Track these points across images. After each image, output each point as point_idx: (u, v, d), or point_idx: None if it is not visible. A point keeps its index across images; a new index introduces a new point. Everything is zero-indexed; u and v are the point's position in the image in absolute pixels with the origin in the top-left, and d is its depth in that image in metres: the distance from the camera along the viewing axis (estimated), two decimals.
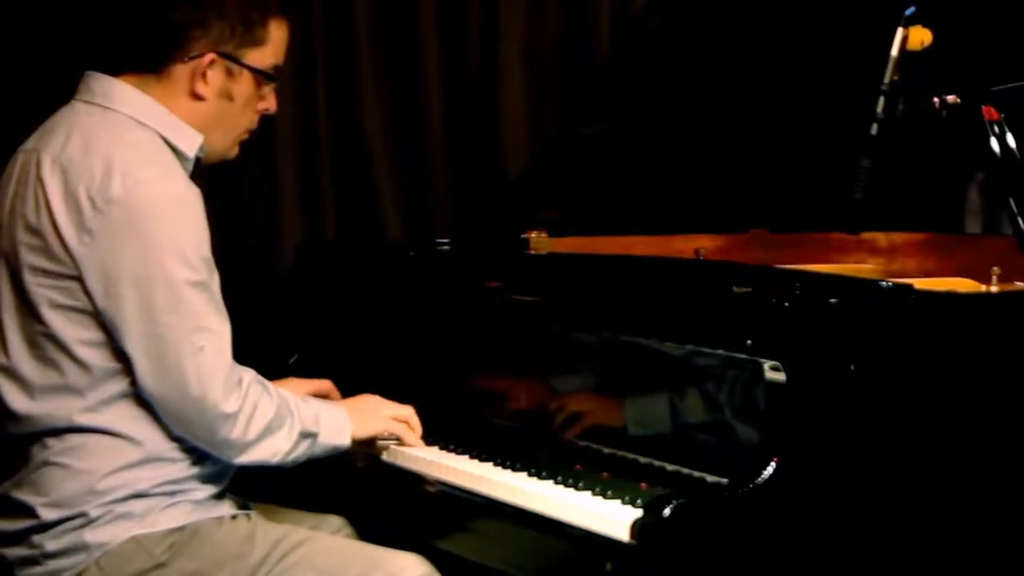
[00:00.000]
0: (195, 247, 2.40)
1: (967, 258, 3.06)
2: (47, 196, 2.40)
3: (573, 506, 2.32)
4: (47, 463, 2.41)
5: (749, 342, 2.27)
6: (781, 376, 2.23)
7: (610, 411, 2.51)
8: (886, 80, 2.83)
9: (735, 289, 2.38)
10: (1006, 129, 2.67)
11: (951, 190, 3.45)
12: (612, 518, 2.23)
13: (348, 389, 2.75)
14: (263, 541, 2.48)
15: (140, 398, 2.41)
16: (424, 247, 3.32)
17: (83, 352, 2.40)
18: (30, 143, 2.50)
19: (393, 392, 2.70)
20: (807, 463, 2.22)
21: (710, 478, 2.30)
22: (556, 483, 2.41)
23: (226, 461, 2.48)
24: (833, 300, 2.32)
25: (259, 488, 2.66)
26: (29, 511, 2.41)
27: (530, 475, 2.47)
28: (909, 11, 2.81)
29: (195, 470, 2.47)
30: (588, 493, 2.35)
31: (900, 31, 2.81)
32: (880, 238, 3.33)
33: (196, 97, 2.50)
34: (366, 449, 2.68)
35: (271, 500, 2.70)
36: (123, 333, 2.38)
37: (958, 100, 2.72)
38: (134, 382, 2.40)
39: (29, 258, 2.41)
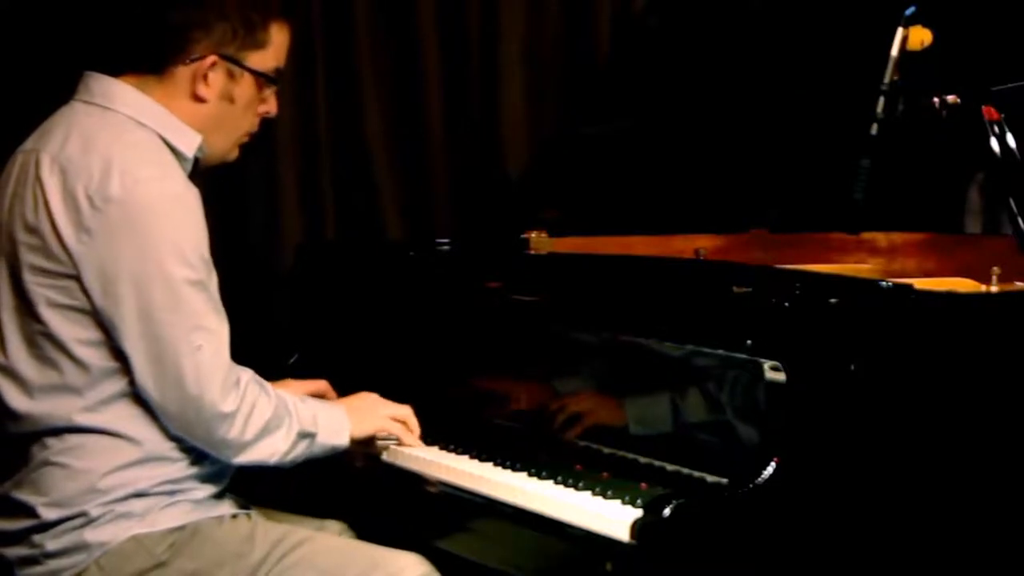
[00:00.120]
0: (194, 246, 2.40)
1: (967, 258, 3.06)
2: (46, 195, 2.40)
3: (573, 506, 2.32)
4: (47, 463, 2.41)
5: (749, 342, 2.27)
6: (781, 376, 2.23)
7: (610, 411, 2.51)
8: (886, 80, 2.83)
9: (735, 289, 2.38)
10: (1006, 129, 2.67)
11: (951, 190, 3.45)
12: (612, 518, 2.23)
13: (348, 389, 2.74)
14: (263, 541, 2.48)
15: (139, 397, 2.41)
16: (424, 247, 3.32)
17: (81, 351, 2.40)
18: (29, 143, 2.50)
19: (393, 392, 2.70)
20: (807, 463, 2.22)
21: (710, 478, 2.30)
22: (556, 483, 2.41)
23: (224, 461, 2.49)
24: (833, 300, 2.32)
25: (258, 491, 2.66)
26: (29, 511, 2.41)
27: (530, 475, 2.47)
28: (909, 11, 2.81)
29: (195, 469, 2.47)
30: (588, 493, 2.35)
31: (900, 31, 2.81)
32: (880, 238, 3.33)
33: (197, 99, 2.50)
34: (365, 449, 2.68)
35: (271, 503, 2.69)
36: (121, 332, 2.38)
37: (958, 100, 2.72)
38: (133, 381, 2.40)
39: (28, 257, 2.41)
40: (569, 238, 3.27)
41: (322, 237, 3.70)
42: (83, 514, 2.39)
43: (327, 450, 2.56)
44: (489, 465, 2.56)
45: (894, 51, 2.82)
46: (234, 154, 2.62)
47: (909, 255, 3.29)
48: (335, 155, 3.73)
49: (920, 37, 2.80)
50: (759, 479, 2.18)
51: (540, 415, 2.61)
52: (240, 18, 2.51)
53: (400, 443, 2.67)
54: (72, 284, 2.38)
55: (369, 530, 2.68)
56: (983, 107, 2.67)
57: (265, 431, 2.45)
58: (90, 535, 2.39)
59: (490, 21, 3.79)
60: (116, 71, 2.50)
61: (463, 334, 2.84)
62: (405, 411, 2.68)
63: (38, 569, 2.41)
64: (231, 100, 2.53)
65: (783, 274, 2.64)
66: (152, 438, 2.43)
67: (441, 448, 2.68)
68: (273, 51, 2.56)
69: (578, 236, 3.28)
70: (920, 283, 2.56)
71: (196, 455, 2.47)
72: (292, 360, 3.07)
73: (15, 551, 2.42)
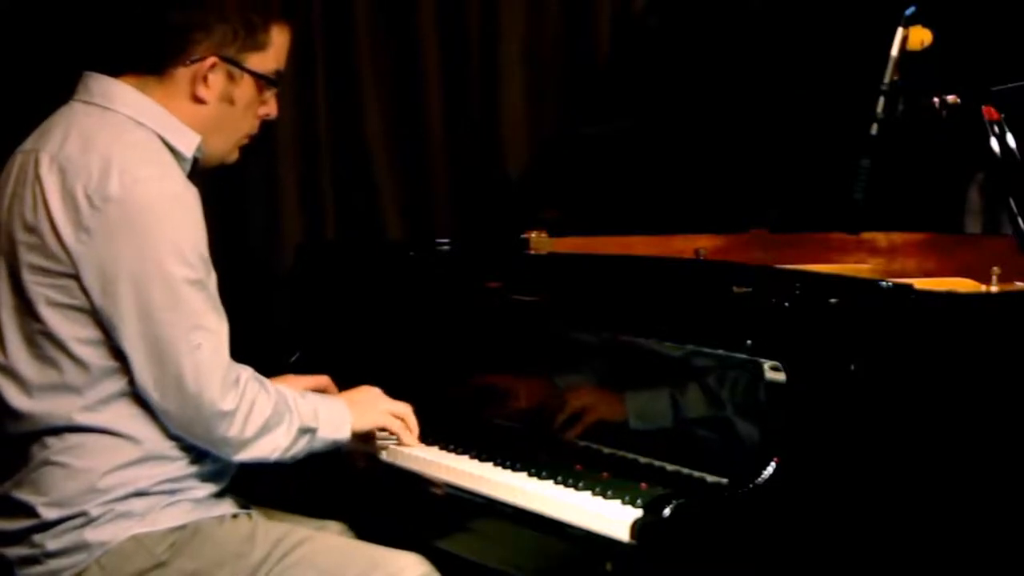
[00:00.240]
0: (193, 246, 2.40)
1: (967, 258, 3.06)
2: (45, 194, 2.40)
3: (573, 506, 2.32)
4: (47, 462, 2.41)
5: (749, 342, 2.27)
6: (781, 376, 2.23)
7: (610, 411, 2.51)
8: (886, 80, 2.83)
9: (735, 289, 2.38)
10: (1006, 129, 2.67)
11: (951, 190, 3.45)
12: (612, 518, 2.23)
13: (349, 389, 2.74)
14: (264, 540, 2.48)
15: (139, 396, 2.41)
16: (424, 247, 3.32)
17: (81, 350, 2.40)
18: (28, 143, 2.50)
19: (394, 392, 2.70)
20: (807, 463, 2.22)
21: (710, 478, 2.30)
22: (556, 483, 2.41)
23: (225, 459, 2.49)
24: (833, 300, 2.32)
25: (259, 491, 2.66)
26: (29, 510, 2.41)
27: (530, 475, 2.47)
28: (909, 11, 2.81)
29: (195, 468, 2.47)
30: (588, 493, 2.35)
31: (900, 31, 2.81)
32: (880, 238, 3.33)
33: (197, 100, 2.50)
34: (365, 447, 2.68)
35: (271, 503, 2.69)
36: (120, 331, 2.38)
37: (958, 100, 2.72)
38: (132, 381, 2.40)
39: (27, 256, 2.41)
40: (569, 238, 3.28)
41: (322, 237, 3.70)
42: (83, 514, 2.39)
43: (329, 444, 2.55)
44: (489, 465, 2.56)
45: (894, 51, 2.82)
46: (234, 156, 2.62)
47: (909, 255, 3.29)
48: (335, 155, 3.73)
49: (920, 37, 2.80)
50: (759, 479, 2.18)
51: (540, 415, 2.61)
52: (241, 20, 2.51)
53: (400, 442, 2.67)
54: (71, 283, 2.38)
55: (369, 530, 2.68)
56: (983, 107, 2.67)
57: (265, 428, 2.45)
58: (90, 535, 2.39)
59: (490, 21, 3.79)
60: (116, 71, 2.50)
61: (463, 334, 2.84)
62: (405, 408, 2.68)
63: (38, 569, 2.41)
64: (231, 102, 2.53)
65: (783, 274, 2.65)
66: (152, 437, 2.43)
67: (441, 448, 2.68)
68: (273, 53, 2.56)
69: (578, 236, 3.28)
70: (920, 283, 2.56)
71: (196, 454, 2.47)
72: (293, 359, 3.07)
73: (15, 551, 2.42)
